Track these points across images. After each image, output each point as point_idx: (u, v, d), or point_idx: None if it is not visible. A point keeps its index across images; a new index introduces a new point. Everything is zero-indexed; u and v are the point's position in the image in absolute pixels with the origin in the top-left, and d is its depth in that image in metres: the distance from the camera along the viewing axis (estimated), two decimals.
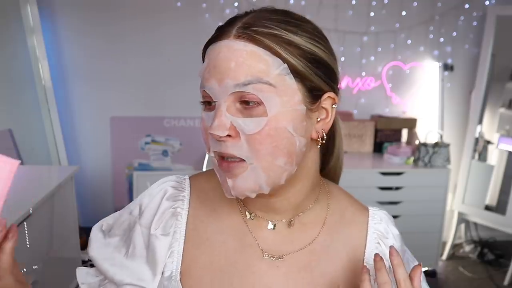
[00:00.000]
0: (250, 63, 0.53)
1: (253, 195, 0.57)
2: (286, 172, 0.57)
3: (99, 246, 0.69)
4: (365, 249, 0.67)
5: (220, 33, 0.56)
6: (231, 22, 0.57)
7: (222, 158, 0.57)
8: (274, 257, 0.64)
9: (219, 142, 0.55)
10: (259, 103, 0.54)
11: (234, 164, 0.56)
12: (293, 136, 0.55)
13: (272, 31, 0.54)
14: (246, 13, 0.58)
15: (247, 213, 0.66)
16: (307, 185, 0.64)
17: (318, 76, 0.57)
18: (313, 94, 0.57)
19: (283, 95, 0.54)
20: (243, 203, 0.66)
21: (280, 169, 0.56)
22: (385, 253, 0.66)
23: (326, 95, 0.59)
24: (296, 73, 0.55)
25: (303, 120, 0.57)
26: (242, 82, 0.53)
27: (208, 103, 0.58)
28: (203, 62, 0.59)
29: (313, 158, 0.64)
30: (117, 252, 0.67)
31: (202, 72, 0.57)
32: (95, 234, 0.70)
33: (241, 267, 0.63)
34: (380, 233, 0.68)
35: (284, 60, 0.54)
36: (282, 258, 0.64)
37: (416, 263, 0.74)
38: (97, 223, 0.72)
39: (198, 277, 0.63)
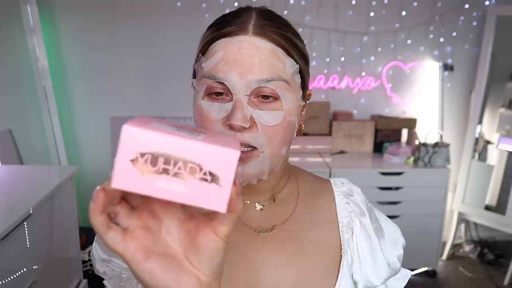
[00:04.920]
0: (271, 61, 0.58)
1: (255, 181, 0.62)
2: (282, 159, 0.64)
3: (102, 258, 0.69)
4: (336, 211, 0.75)
5: (234, 28, 0.58)
6: (239, 18, 0.60)
7: None
8: (266, 231, 0.69)
9: (235, 132, 0.58)
10: (276, 98, 0.59)
11: (248, 153, 0.59)
12: (295, 127, 0.63)
13: (285, 34, 0.60)
14: (249, 9, 0.62)
15: None
16: (283, 167, 0.71)
17: (307, 74, 0.65)
18: (304, 91, 0.65)
19: (293, 92, 0.61)
20: None
21: (281, 157, 0.63)
22: (354, 209, 0.75)
23: (308, 91, 0.67)
24: (300, 72, 0.62)
25: (300, 113, 0.65)
26: (265, 78, 0.57)
27: (216, 94, 0.59)
28: (203, 54, 0.61)
29: None
30: None
31: (213, 64, 0.58)
32: (96, 252, 0.70)
33: (240, 247, 0.68)
34: (345, 193, 0.77)
35: (296, 61, 0.61)
36: (274, 229, 0.69)
37: (386, 222, 0.80)
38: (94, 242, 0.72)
39: None
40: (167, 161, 0.34)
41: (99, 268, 0.69)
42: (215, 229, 0.39)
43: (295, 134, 0.67)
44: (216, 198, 0.35)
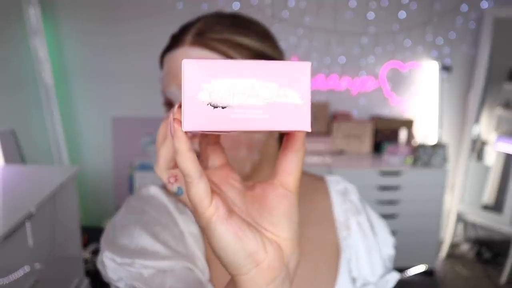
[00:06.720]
0: None
1: None
2: (249, 162, 0.63)
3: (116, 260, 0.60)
4: (332, 208, 0.74)
5: (176, 42, 0.62)
6: (184, 30, 0.63)
7: None
8: None
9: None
10: None
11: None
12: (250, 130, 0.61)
13: (223, 36, 0.60)
14: (198, 19, 0.64)
15: None
16: (272, 167, 0.70)
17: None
18: None
19: None
20: None
21: (243, 159, 0.62)
22: (350, 207, 0.75)
23: None
24: None
25: None
26: None
27: (170, 105, 0.63)
28: (161, 68, 0.65)
29: (273, 145, 0.70)
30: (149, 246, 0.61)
31: (162, 78, 0.63)
32: (107, 256, 0.61)
33: None
34: (341, 192, 0.77)
35: None
36: None
37: (378, 220, 0.80)
38: (102, 244, 0.63)
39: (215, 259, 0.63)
40: (239, 88, 0.31)
41: (113, 275, 0.60)
42: (282, 183, 0.36)
43: (273, 134, 0.66)
44: (298, 117, 0.33)
